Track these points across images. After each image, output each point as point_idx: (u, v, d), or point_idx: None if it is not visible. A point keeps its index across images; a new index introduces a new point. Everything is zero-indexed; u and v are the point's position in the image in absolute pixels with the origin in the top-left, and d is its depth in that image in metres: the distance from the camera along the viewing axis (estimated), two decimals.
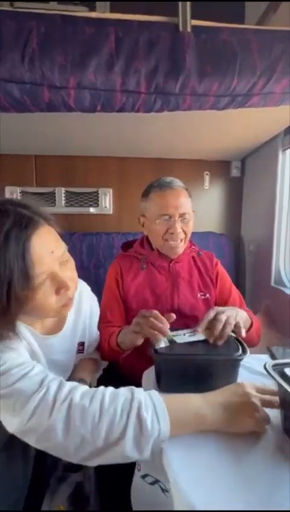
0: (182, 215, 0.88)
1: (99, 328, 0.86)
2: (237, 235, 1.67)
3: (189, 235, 0.94)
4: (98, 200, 1.58)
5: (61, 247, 0.58)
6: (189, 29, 0.77)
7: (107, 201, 1.58)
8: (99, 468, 0.65)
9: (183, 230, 0.90)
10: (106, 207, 1.58)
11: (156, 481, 0.52)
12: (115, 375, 0.93)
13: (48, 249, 0.54)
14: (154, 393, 0.50)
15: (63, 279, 0.56)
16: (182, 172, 1.62)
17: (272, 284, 1.32)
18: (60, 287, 0.56)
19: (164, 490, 0.50)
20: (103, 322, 0.90)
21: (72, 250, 0.63)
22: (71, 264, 0.62)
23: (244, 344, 0.66)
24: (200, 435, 0.50)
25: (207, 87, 0.79)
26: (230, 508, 0.37)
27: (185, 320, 0.91)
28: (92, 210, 1.58)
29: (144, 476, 0.54)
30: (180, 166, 1.61)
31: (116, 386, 0.62)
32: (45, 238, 0.54)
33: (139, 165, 1.60)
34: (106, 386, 0.90)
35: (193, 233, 1.56)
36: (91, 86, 0.77)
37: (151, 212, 0.90)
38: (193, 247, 1.03)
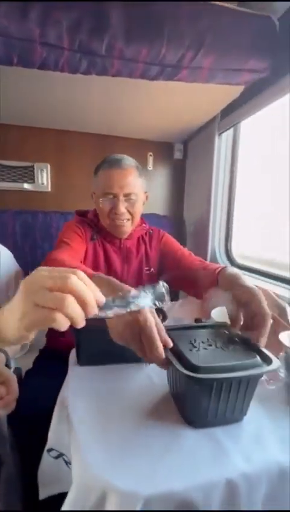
0: (127, 195, 0.86)
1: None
2: (179, 217, 1.71)
3: (137, 216, 0.92)
4: (33, 176, 1.45)
5: None
6: None
7: (44, 178, 1.47)
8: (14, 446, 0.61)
9: (129, 211, 0.88)
10: (43, 184, 1.47)
11: (60, 454, 0.51)
12: (53, 357, 0.89)
13: None
14: None
15: None
16: (126, 151, 1.55)
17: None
18: None
19: (68, 463, 0.48)
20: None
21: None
22: None
23: (165, 311, 0.68)
24: (108, 408, 0.49)
25: (135, 51, 0.75)
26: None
27: None
28: (26, 186, 1.45)
29: (49, 450, 0.52)
30: (124, 145, 1.56)
31: (58, 369, 0.59)
32: None
33: (81, 140, 1.51)
34: (43, 366, 0.89)
35: None
36: (3, 32, 0.68)
37: (98, 189, 0.88)
38: (144, 225, 1.03)
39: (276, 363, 0.45)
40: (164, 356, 0.43)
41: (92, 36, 0.72)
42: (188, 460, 0.40)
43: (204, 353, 0.48)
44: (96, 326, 0.62)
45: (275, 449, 0.42)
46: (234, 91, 1.04)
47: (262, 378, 0.58)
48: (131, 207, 0.88)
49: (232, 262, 1.35)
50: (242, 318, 0.55)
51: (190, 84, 0.91)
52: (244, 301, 0.55)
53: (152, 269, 0.99)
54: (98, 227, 0.94)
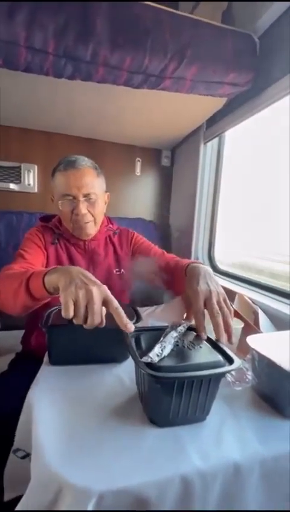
0: (86, 196, 0.84)
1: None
2: (166, 223, 1.74)
3: (99, 216, 0.90)
4: (20, 176, 1.45)
5: None
6: None
7: (31, 179, 1.47)
8: None
9: (90, 212, 0.86)
10: (29, 184, 1.47)
11: (28, 454, 0.50)
12: (29, 359, 0.87)
13: None
14: None
15: None
16: (114, 156, 1.60)
17: None
18: None
19: None
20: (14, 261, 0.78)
21: None
22: None
23: (139, 312, 0.69)
24: (73, 407, 0.50)
25: (119, 59, 0.78)
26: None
27: None
28: (12, 186, 1.44)
29: (15, 451, 0.51)
30: (112, 150, 1.59)
31: (31, 370, 0.59)
32: None
33: (70, 143, 1.52)
34: (20, 369, 0.88)
35: (123, 219, 1.59)
36: None
37: (56, 192, 0.86)
38: (110, 225, 1.02)
39: (236, 363, 0.46)
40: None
41: (78, 42, 0.74)
42: (146, 458, 0.40)
43: (170, 353, 0.49)
44: (66, 326, 0.62)
45: (233, 448, 0.43)
46: (217, 102, 1.08)
47: (229, 379, 0.59)
48: (92, 207, 0.86)
49: (215, 269, 1.38)
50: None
51: (175, 94, 0.95)
52: (190, 302, 0.61)
53: (123, 270, 0.98)
54: (60, 230, 0.92)
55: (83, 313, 0.48)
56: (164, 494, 0.37)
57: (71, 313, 0.47)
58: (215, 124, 1.23)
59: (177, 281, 0.80)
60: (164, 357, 0.47)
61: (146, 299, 1.59)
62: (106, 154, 1.57)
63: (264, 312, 0.84)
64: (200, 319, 0.57)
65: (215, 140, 1.34)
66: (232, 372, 0.60)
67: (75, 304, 0.48)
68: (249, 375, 0.62)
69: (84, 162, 0.86)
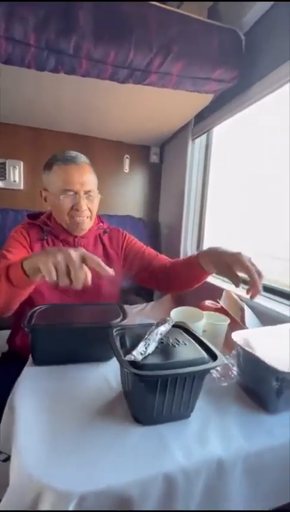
0: (87, 192, 0.84)
1: None
2: (155, 220, 1.73)
3: (94, 213, 0.91)
4: (5, 173, 1.42)
5: None
6: None
7: (16, 175, 1.43)
8: None
9: (89, 208, 0.87)
10: (15, 181, 1.44)
11: (9, 457, 0.49)
12: (14, 359, 0.85)
13: None
14: None
15: None
16: (102, 152, 1.58)
17: None
18: None
19: None
20: None
21: None
22: None
23: (125, 310, 0.68)
24: (56, 408, 0.49)
25: (103, 53, 0.76)
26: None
27: (89, 296, 0.89)
28: None
29: None
30: (100, 146, 1.57)
31: (16, 371, 0.58)
32: None
33: (57, 139, 1.49)
34: (4, 370, 0.86)
35: (112, 216, 1.58)
36: None
37: (55, 186, 0.84)
38: (101, 224, 1.01)
39: (220, 360, 0.46)
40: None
41: (60, 34, 0.72)
42: (129, 457, 0.40)
43: (154, 351, 0.48)
44: (49, 325, 0.61)
45: (216, 445, 0.43)
46: (204, 99, 1.07)
47: (214, 375, 0.59)
48: (91, 204, 0.87)
49: None
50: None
51: (162, 90, 0.94)
52: (232, 262, 0.67)
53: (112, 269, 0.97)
54: (49, 226, 0.91)
55: (65, 272, 0.51)
56: (146, 493, 0.37)
57: (53, 274, 0.51)
58: (203, 120, 1.23)
59: (174, 280, 0.85)
60: (148, 354, 0.47)
61: (136, 297, 1.59)
62: (94, 150, 1.55)
63: (250, 308, 0.85)
64: (254, 275, 0.64)
65: (204, 136, 1.34)
66: (218, 369, 0.60)
67: (56, 268, 0.51)
68: (235, 370, 0.62)
69: (83, 158, 0.87)
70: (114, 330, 0.54)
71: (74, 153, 0.87)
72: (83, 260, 0.54)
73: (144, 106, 1.15)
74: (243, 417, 0.50)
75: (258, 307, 0.87)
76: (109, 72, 0.81)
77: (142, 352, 0.45)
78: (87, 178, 0.84)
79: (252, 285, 0.64)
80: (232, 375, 0.61)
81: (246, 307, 0.80)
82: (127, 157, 1.62)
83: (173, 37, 0.80)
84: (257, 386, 0.54)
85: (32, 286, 0.66)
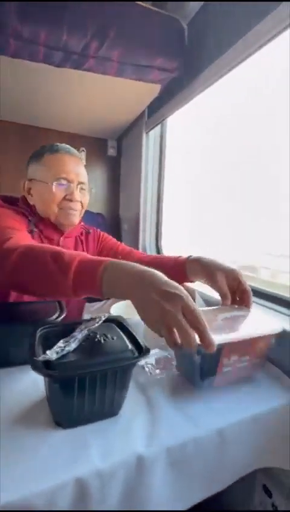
0: (80, 183, 0.81)
1: None
2: (116, 215, 1.70)
3: (84, 209, 0.86)
4: None
5: None
6: None
7: None
8: None
9: (81, 202, 0.82)
10: None
11: None
12: None
13: None
14: None
15: None
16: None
17: None
18: None
19: None
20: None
21: None
22: None
23: (64, 306, 0.64)
24: None
25: (33, 33, 0.71)
26: None
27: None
28: None
29: None
30: (54, 137, 1.49)
31: None
32: None
33: (5, 129, 1.40)
34: None
35: None
36: None
37: (47, 174, 0.78)
38: (82, 223, 0.95)
39: (145, 354, 0.44)
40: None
41: None
42: (40, 466, 0.37)
43: (77, 348, 0.45)
44: None
45: (138, 442, 0.41)
46: (152, 89, 1.05)
47: (147, 369, 0.58)
48: (83, 197, 0.83)
49: None
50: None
51: (111, 79, 0.90)
52: (232, 279, 0.63)
53: None
54: (35, 218, 0.81)
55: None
56: (53, 501, 0.34)
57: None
58: (155, 112, 1.21)
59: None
60: (68, 353, 0.43)
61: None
62: (47, 141, 1.47)
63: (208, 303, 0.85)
64: (250, 298, 0.62)
65: (158, 129, 1.33)
66: (152, 362, 0.59)
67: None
68: (174, 362, 0.61)
69: (76, 151, 0.84)
70: (39, 329, 0.51)
71: (66, 145, 0.84)
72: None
73: (94, 95, 1.11)
74: (171, 409, 0.49)
75: (208, 298, 0.87)
76: (41, 54, 0.76)
77: (58, 351, 0.42)
78: (81, 170, 0.82)
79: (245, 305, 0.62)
80: (172, 368, 0.60)
81: (197, 294, 0.79)
82: (83, 150, 1.57)
83: (108, 20, 0.77)
84: (186, 365, 0.55)
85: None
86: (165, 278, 0.43)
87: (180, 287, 0.41)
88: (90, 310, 1.33)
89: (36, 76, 0.95)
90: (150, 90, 1.06)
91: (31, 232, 0.77)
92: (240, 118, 1.09)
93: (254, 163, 1.06)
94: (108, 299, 1.47)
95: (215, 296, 0.89)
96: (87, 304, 1.39)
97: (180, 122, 1.25)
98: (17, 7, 0.67)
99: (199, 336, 0.39)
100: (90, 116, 1.34)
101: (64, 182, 0.79)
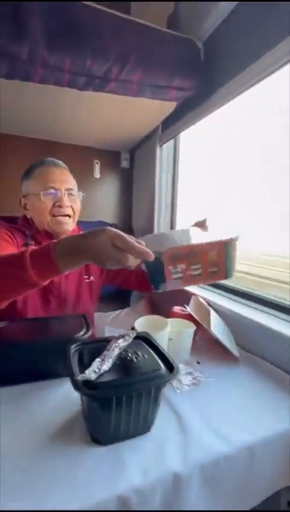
0: (68, 190, 0.86)
1: None
2: (128, 226, 1.72)
3: (77, 214, 0.90)
4: None
5: None
6: None
7: None
8: None
9: (72, 207, 0.87)
10: None
11: None
12: None
13: None
14: None
15: None
16: (71, 157, 1.54)
17: None
18: None
19: None
20: None
21: None
22: None
23: (88, 322, 0.67)
24: (7, 432, 0.46)
25: (59, 60, 0.75)
26: None
27: (69, 306, 0.90)
28: None
29: None
30: (69, 151, 1.54)
31: None
32: None
33: (19, 144, 1.45)
34: None
35: (84, 222, 1.54)
36: None
37: (37, 187, 0.84)
38: (80, 231, 0.98)
39: (175, 372, 0.46)
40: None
41: (11, 41, 0.70)
42: (82, 483, 0.39)
43: (112, 367, 0.47)
44: (3, 343, 0.59)
45: (173, 459, 0.43)
46: (168, 106, 1.08)
47: (175, 384, 0.60)
48: (73, 203, 0.87)
49: None
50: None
51: (127, 97, 0.93)
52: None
53: (92, 278, 0.97)
54: (31, 231, 0.88)
55: None
56: None
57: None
58: (169, 126, 1.24)
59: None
60: (104, 372, 0.46)
61: (112, 303, 1.57)
62: (64, 156, 1.51)
63: (217, 312, 0.86)
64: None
65: (171, 142, 1.35)
66: (179, 377, 0.60)
67: None
68: (200, 376, 0.63)
69: (63, 164, 0.91)
70: (72, 346, 0.53)
71: (52, 158, 0.91)
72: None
73: (111, 113, 1.14)
74: (200, 425, 0.50)
75: (224, 310, 0.88)
76: (66, 80, 0.80)
77: (96, 371, 0.44)
78: (68, 178, 0.87)
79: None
80: (196, 381, 0.61)
81: (212, 311, 0.81)
82: (97, 163, 1.61)
83: (129, 45, 0.80)
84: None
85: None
86: (95, 229, 0.52)
87: (106, 227, 0.51)
88: (107, 321, 1.35)
89: (59, 97, 0.99)
90: (166, 107, 1.09)
91: (26, 245, 0.84)
92: (255, 130, 1.10)
93: (269, 175, 1.07)
94: (122, 308, 1.49)
95: (220, 302, 0.92)
96: (102, 314, 1.41)
97: (192, 133, 1.27)
98: (45, 37, 0.71)
99: (134, 252, 0.49)
100: (107, 132, 1.38)
101: (52, 190, 0.84)
